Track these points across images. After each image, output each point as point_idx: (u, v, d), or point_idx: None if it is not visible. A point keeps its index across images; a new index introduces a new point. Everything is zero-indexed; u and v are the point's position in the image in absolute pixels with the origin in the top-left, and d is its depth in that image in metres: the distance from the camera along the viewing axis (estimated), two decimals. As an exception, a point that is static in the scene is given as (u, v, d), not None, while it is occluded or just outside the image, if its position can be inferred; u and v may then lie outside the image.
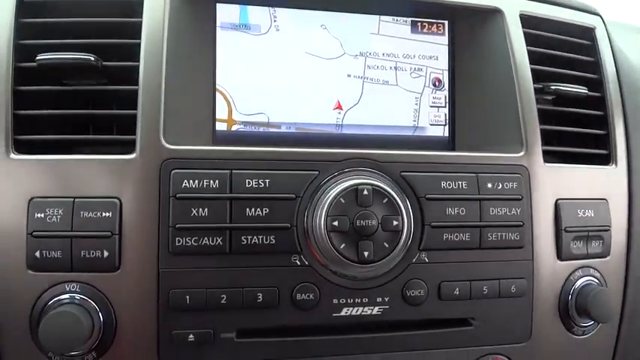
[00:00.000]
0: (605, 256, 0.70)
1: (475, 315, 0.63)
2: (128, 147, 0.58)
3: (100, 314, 0.55)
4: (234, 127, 0.69)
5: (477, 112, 0.73)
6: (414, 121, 0.74)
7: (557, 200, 0.68)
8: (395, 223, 0.58)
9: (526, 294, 0.65)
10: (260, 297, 0.57)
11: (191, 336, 0.56)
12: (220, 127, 0.68)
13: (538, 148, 0.68)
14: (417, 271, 0.61)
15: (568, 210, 0.68)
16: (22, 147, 0.58)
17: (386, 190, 0.59)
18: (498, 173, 0.65)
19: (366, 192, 0.58)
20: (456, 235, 0.62)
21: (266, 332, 0.58)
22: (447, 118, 0.74)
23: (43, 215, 0.55)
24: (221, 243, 0.57)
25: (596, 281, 0.69)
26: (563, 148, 0.71)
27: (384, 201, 0.58)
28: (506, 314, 0.64)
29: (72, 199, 0.56)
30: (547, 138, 0.70)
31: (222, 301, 0.57)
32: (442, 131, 0.75)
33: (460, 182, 0.63)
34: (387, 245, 0.58)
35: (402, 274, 0.61)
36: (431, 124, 0.75)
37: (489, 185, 0.64)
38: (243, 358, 0.58)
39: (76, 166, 0.57)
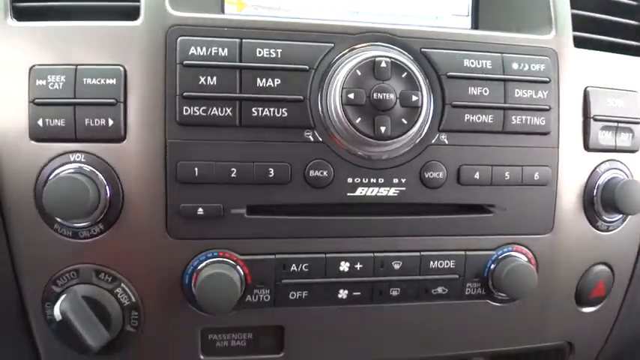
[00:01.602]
0: (634, 151, 0.67)
1: (495, 202, 0.60)
2: (132, 16, 0.55)
3: (107, 185, 0.53)
4: (243, 10, 0.65)
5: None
6: (436, 9, 0.69)
7: (586, 87, 0.64)
8: (414, 98, 0.55)
9: (550, 183, 0.62)
10: (271, 172, 0.55)
11: (200, 210, 0.54)
12: (229, 9, 0.64)
13: (569, 32, 0.63)
14: (436, 152, 0.58)
15: (597, 97, 0.64)
16: (21, 14, 0.55)
17: (405, 64, 0.55)
18: (525, 54, 0.61)
19: (384, 64, 0.55)
20: (478, 117, 0.59)
21: (277, 210, 0.57)
22: (471, 7, 0.70)
23: (44, 83, 0.53)
24: (230, 114, 0.54)
25: (624, 175, 0.66)
26: (594, 35, 0.67)
27: (403, 75, 0.55)
28: (528, 204, 0.61)
29: (74, 67, 0.53)
30: (578, 25, 0.66)
31: (232, 175, 0.54)
32: (466, 22, 0.70)
33: (484, 61, 0.59)
34: (405, 122, 0.55)
35: (419, 156, 0.58)
36: (454, 15, 0.71)
37: (515, 66, 0.60)
38: (252, 234, 0.56)
39: (77, 34, 0.54)
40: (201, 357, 0.59)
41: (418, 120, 0.55)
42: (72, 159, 0.53)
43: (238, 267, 0.56)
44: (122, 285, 0.55)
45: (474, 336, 0.65)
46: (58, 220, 0.53)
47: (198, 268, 0.55)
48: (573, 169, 0.63)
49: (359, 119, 0.54)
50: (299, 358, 0.61)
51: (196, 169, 0.54)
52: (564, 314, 0.67)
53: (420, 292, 0.60)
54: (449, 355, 0.68)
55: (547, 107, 0.60)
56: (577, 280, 0.66)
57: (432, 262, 0.60)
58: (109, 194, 0.53)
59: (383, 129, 0.54)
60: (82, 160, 0.53)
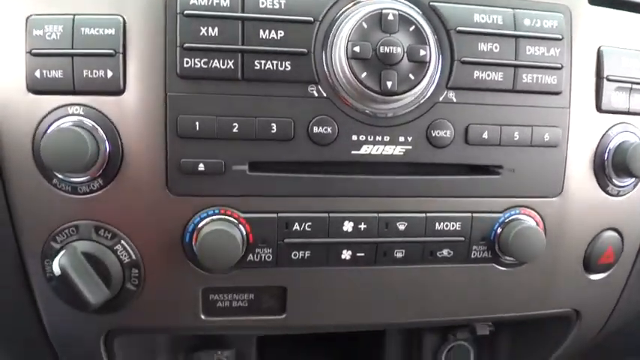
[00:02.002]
0: (648, 114, 0.65)
1: (503, 163, 0.59)
2: None
3: (106, 139, 0.51)
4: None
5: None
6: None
7: (600, 46, 0.61)
8: (422, 53, 0.53)
9: (560, 145, 0.60)
10: (274, 128, 0.54)
11: (201, 165, 0.53)
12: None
13: None
14: (444, 110, 0.57)
15: (611, 57, 0.61)
16: None
17: (413, 17, 0.53)
18: (538, 10, 0.58)
19: (391, 17, 0.53)
20: (488, 74, 0.57)
21: (280, 167, 0.55)
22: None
23: (41, 33, 0.51)
24: (232, 67, 0.52)
25: (636, 138, 0.64)
26: None
27: (411, 29, 0.53)
28: (538, 165, 0.60)
29: (72, 16, 0.51)
30: None
31: (234, 130, 0.53)
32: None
33: (495, 17, 0.57)
34: (412, 77, 0.53)
35: (427, 114, 0.56)
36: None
37: (527, 22, 0.58)
38: (254, 192, 0.55)
39: (74, -18, 0.53)
40: (203, 317, 0.58)
41: (426, 76, 0.53)
42: (70, 112, 0.51)
43: (240, 225, 0.54)
44: (122, 242, 0.54)
45: (478, 301, 0.64)
46: (57, 175, 0.52)
47: (199, 225, 0.54)
48: (584, 131, 0.61)
49: (364, 74, 0.52)
50: (301, 319, 0.60)
51: (197, 123, 0.52)
52: (572, 281, 0.66)
53: (425, 254, 0.59)
54: (452, 321, 0.67)
55: (559, 66, 0.58)
56: (585, 245, 0.65)
57: (437, 224, 0.59)
58: (108, 148, 0.52)
59: (389, 84, 0.53)
60: (81, 113, 0.52)
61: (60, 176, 0.52)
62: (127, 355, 0.63)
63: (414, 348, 0.81)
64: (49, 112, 0.52)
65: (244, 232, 0.55)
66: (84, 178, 0.52)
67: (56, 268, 0.51)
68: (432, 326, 0.77)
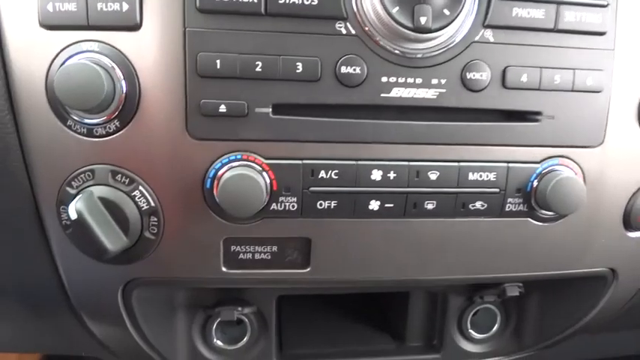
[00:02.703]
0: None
1: (543, 109, 0.55)
2: None
3: (122, 77, 0.49)
4: None
5: None
6: None
7: (649, -15, 0.58)
8: (458, -14, 0.50)
9: (603, 90, 0.56)
10: (299, 67, 0.50)
11: (222, 107, 0.50)
12: None
13: None
14: (480, 51, 0.53)
15: (662, -5, 0.58)
16: None
17: (449, -52, 0.50)
18: None
19: (425, -53, 0.49)
20: (528, 12, 0.53)
21: (305, 111, 0.52)
22: None
23: (53, -37, 0.49)
24: (256, 0, 0.49)
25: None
26: None
27: None
28: (579, 112, 0.56)
29: None
30: None
31: (257, 69, 0.50)
32: None
33: None
34: (447, 13, 0.49)
35: (462, 54, 0.52)
36: None
37: None
38: (278, 136, 0.52)
39: None
40: (224, 269, 0.56)
41: (462, 11, 0.50)
42: (85, 48, 0.49)
43: (263, 172, 0.52)
44: (140, 188, 0.52)
45: (511, 259, 0.61)
46: (72, 116, 0.50)
47: (220, 171, 0.51)
48: (630, 76, 0.57)
49: (396, 8, 0.49)
50: (325, 273, 0.58)
51: (218, 61, 0.49)
52: (610, 238, 0.62)
53: (457, 206, 0.56)
54: (481, 279, 0.64)
55: (604, 3, 0.54)
56: (626, 200, 0.61)
57: (471, 174, 0.55)
58: (124, 88, 0.49)
59: (423, 20, 0.49)
60: (96, 49, 0.49)
61: (75, 117, 0.50)
62: (145, 309, 0.61)
63: (437, 311, 0.78)
64: (63, 49, 0.49)
65: (268, 179, 0.52)
66: (100, 120, 0.50)
67: (72, 213, 0.49)
68: (457, 287, 0.75)
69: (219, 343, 0.72)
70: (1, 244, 0.57)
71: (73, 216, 0.48)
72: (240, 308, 0.66)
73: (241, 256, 0.56)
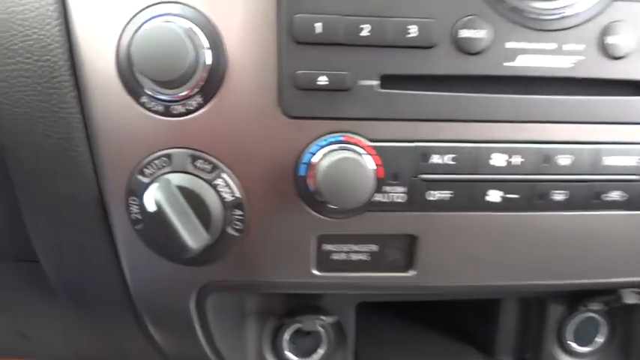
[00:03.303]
0: None
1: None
2: None
3: (206, 44, 0.41)
4: None
5: None
6: None
7: None
8: None
9: None
10: (412, 31, 0.42)
11: (321, 78, 0.43)
12: None
13: None
14: (624, 10, 0.44)
15: None
16: None
17: None
18: None
19: None
20: None
21: (417, 83, 0.45)
22: None
23: None
24: None
25: None
26: None
27: None
28: None
29: None
30: None
31: (363, 34, 0.42)
32: None
33: None
34: (588, -38, 0.42)
35: (602, 14, 0.44)
36: None
37: None
38: (386, 114, 0.44)
39: None
40: (314, 271, 0.49)
41: (605, -39, 0.42)
42: (164, 11, 0.42)
43: (367, 156, 0.44)
44: (223, 175, 0.44)
45: None
46: (147, 91, 0.43)
47: (316, 156, 0.44)
48: None
49: None
50: (431, 277, 0.50)
51: (318, 24, 0.42)
52: None
53: (591, 197, 0.47)
54: (606, 283, 0.55)
55: None
56: None
57: (608, 158, 0.47)
58: (208, 57, 0.42)
59: (560, -29, 0.41)
60: (177, 12, 0.42)
61: (150, 93, 0.43)
62: (219, 318, 0.54)
63: (532, 321, 0.70)
64: (139, 12, 0.42)
65: (373, 165, 0.45)
66: (179, 95, 0.42)
67: (150, 204, 0.41)
68: (558, 293, 0.66)
69: (291, 355, 0.65)
70: (62, 240, 0.50)
71: (151, 207, 0.41)
72: (323, 317, 0.58)
73: (335, 256, 0.49)
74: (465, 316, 0.78)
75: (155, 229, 0.42)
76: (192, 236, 0.42)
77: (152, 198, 0.41)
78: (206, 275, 0.48)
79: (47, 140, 0.46)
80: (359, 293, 0.60)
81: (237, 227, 0.45)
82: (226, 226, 0.45)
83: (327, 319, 0.58)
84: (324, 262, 0.48)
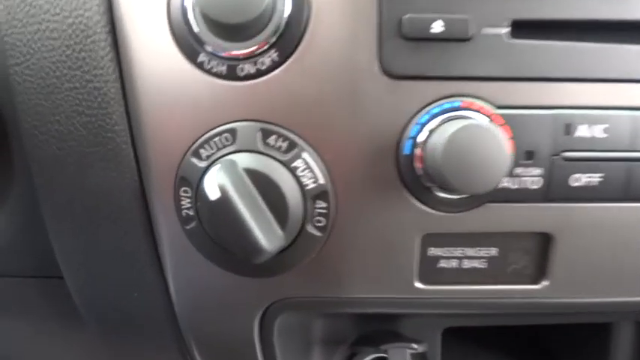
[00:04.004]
0: None
1: None
2: None
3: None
4: None
5: None
6: None
7: None
8: None
9: None
10: None
11: (436, 24, 0.32)
12: None
13: None
14: None
15: None
16: None
17: None
18: None
19: None
20: None
21: (559, 30, 0.34)
22: None
23: None
24: None
25: None
26: None
27: None
28: None
29: None
30: None
31: None
32: None
33: None
34: None
35: None
36: None
37: None
38: (517, 72, 0.33)
39: None
40: (418, 285, 0.38)
41: None
42: None
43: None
44: (304, 156, 0.34)
45: None
46: (207, 48, 0.33)
47: (427, 130, 0.34)
48: None
49: None
50: (569, 289, 0.38)
51: None
52: None
53: None
54: None
55: None
56: None
57: None
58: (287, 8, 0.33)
59: None
60: None
61: (210, 50, 0.33)
62: (285, 345, 0.43)
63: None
64: None
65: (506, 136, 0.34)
66: (248, 50, 0.33)
67: (212, 189, 0.31)
68: None
69: (364, 392, 0.53)
70: (91, 247, 0.40)
71: (213, 194, 0.31)
72: (415, 346, 0.47)
73: (443, 263, 0.38)
74: (557, 341, 0.65)
75: (216, 224, 0.32)
76: (266, 234, 0.32)
77: (214, 182, 0.31)
78: (276, 290, 0.37)
79: (77, 118, 0.36)
80: (455, 313, 0.49)
81: (320, 224, 0.35)
82: (306, 222, 0.35)
83: (419, 348, 0.47)
84: (430, 271, 0.37)
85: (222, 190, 0.31)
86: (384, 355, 0.50)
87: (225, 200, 0.31)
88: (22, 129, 0.38)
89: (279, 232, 0.33)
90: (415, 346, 0.46)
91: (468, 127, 0.31)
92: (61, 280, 0.45)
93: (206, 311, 0.40)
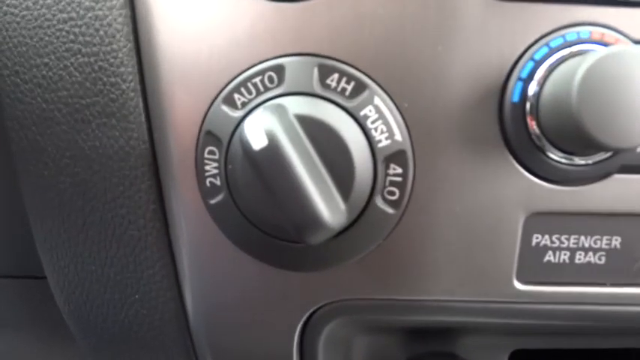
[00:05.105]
0: None
1: None
2: None
3: None
4: None
5: None
6: None
7: None
8: None
9: None
10: None
11: None
12: None
13: None
14: None
15: None
16: None
17: None
18: None
19: None
20: None
21: None
22: None
23: None
24: None
25: None
26: None
27: None
28: None
29: None
30: None
31: None
32: None
33: None
34: None
35: None
36: None
37: None
38: None
39: None
40: (517, 285, 0.29)
41: None
42: None
43: None
44: (376, 102, 0.25)
45: None
46: None
47: (545, 66, 0.25)
48: None
49: None
50: None
51: None
52: None
53: None
54: None
55: None
56: None
57: None
58: None
59: None
60: None
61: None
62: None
63: None
64: None
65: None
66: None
67: (256, 136, 0.22)
68: None
69: None
70: (81, 234, 0.31)
71: (259, 142, 0.22)
72: None
73: (549, 256, 0.29)
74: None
75: (257, 189, 0.23)
76: (327, 203, 0.23)
77: (259, 126, 0.23)
78: (329, 288, 0.28)
79: (70, 59, 0.28)
80: (549, 326, 0.40)
81: (393, 197, 0.26)
82: (375, 194, 0.26)
83: None
84: (533, 267, 0.28)
85: (271, 136, 0.22)
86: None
87: (274, 149, 0.22)
88: None
89: (342, 204, 0.24)
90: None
91: (618, 55, 0.22)
92: (42, 281, 0.36)
93: (230, 319, 0.30)
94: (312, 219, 0.22)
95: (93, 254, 0.31)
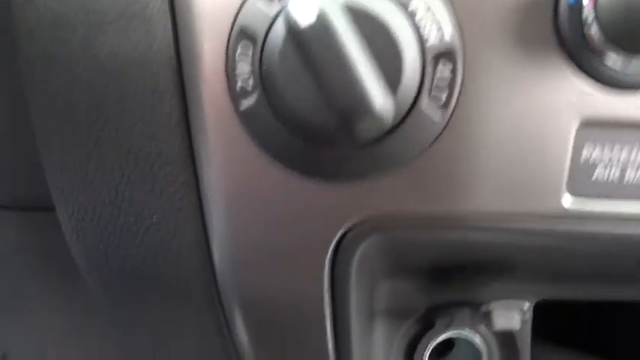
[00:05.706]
0: None
1: None
2: None
3: None
4: None
5: None
6: None
7: None
8: None
9: None
10: None
11: None
12: None
13: None
14: None
15: None
16: None
17: None
18: None
19: None
20: None
21: None
22: None
23: None
24: None
25: None
26: None
27: None
28: None
29: None
30: None
31: None
32: None
33: None
34: None
35: None
36: None
37: None
38: None
39: None
40: (568, 197, 0.27)
41: None
42: None
43: None
44: (426, -4, 0.24)
45: None
46: None
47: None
48: None
49: None
50: None
51: None
52: None
53: None
54: None
55: None
56: None
57: None
58: None
59: None
60: None
61: None
62: (358, 301, 0.32)
63: None
64: None
65: None
66: None
67: (304, 11, 0.20)
68: None
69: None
70: (93, 155, 0.29)
71: (307, 18, 0.20)
72: (525, 305, 0.35)
73: (599, 173, 0.27)
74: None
75: (300, 73, 0.21)
76: (378, 90, 0.22)
77: (308, 2, 0.21)
78: (367, 199, 0.26)
79: None
80: (547, 284, 0.38)
81: (440, 100, 0.25)
82: (422, 94, 0.25)
83: (526, 305, 0.35)
84: (582, 181, 0.27)
85: (321, 12, 0.20)
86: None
87: (323, 24, 0.20)
88: None
89: (391, 97, 0.23)
90: (525, 305, 0.34)
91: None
92: (50, 214, 0.34)
93: (259, 245, 0.28)
94: (362, 103, 0.20)
95: (107, 173, 0.29)
